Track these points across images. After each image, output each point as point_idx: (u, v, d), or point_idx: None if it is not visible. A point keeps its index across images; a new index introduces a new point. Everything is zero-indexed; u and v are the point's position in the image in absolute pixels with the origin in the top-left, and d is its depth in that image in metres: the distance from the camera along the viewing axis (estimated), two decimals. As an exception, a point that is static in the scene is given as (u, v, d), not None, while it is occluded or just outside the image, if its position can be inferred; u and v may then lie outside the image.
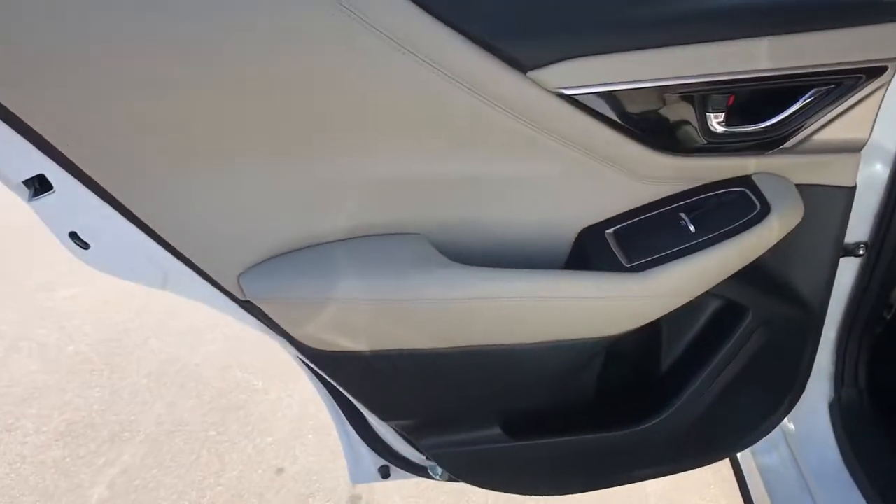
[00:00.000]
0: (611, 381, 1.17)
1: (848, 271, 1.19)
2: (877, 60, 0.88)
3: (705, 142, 0.92)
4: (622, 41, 0.83)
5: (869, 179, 1.09)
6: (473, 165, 0.90)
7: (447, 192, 0.91)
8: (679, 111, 0.90)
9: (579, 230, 0.99)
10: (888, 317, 1.30)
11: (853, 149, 0.96)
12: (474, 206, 0.94)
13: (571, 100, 0.86)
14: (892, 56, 0.87)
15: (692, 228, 0.94)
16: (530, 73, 0.83)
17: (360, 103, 0.80)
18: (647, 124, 0.91)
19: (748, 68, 0.86)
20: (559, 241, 0.99)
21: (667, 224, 0.96)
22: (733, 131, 0.92)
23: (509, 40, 0.82)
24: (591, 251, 0.96)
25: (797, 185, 0.98)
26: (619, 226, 0.97)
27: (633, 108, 0.88)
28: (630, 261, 0.94)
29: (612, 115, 0.88)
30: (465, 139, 0.87)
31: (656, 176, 0.95)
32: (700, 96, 0.89)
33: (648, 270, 0.92)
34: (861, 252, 1.15)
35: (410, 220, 0.93)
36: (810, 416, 1.35)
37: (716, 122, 0.91)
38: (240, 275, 0.86)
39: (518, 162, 0.90)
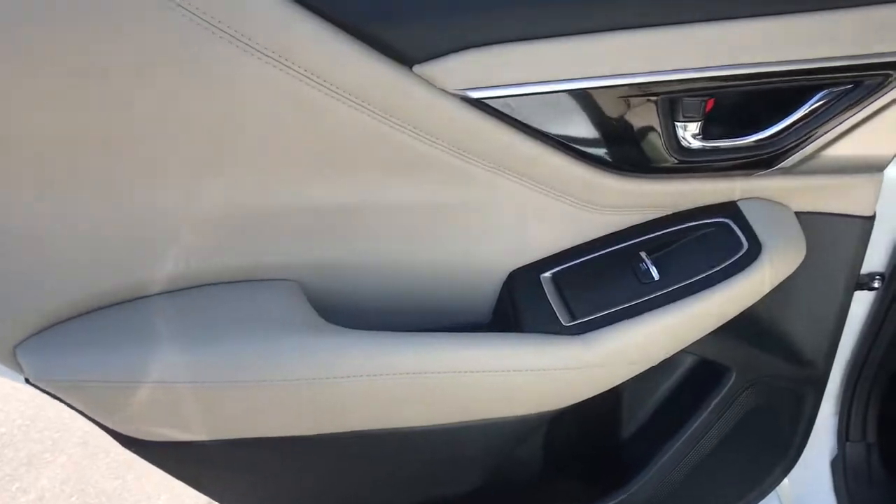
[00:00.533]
0: (562, 453, 0.93)
1: (858, 307, 0.95)
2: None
3: (675, 160, 0.68)
4: (548, 23, 0.59)
5: (884, 193, 0.85)
6: (359, 190, 0.66)
7: (328, 224, 0.67)
8: (637, 120, 0.66)
9: (507, 273, 0.75)
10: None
11: (873, 168, 0.72)
12: (366, 244, 0.69)
13: (481, 105, 0.62)
14: None
15: (655, 274, 0.70)
16: (417, 68, 0.59)
17: (201, 116, 0.56)
18: (592, 138, 0.66)
19: (732, 62, 0.62)
20: (480, 287, 0.75)
21: (622, 267, 0.72)
22: (713, 146, 0.68)
23: (390, 27, 0.58)
24: (521, 302, 0.72)
25: (798, 215, 0.74)
26: (558, 268, 0.74)
27: (570, 117, 0.64)
28: (572, 317, 0.70)
29: (543, 126, 0.64)
30: (347, 157, 0.63)
31: (608, 204, 0.71)
32: (665, 100, 0.64)
33: (594, 333, 0.68)
34: (876, 285, 0.90)
35: (275, 263, 0.68)
36: (810, 475, 1.12)
37: (688, 134, 0.67)
38: (16, 346, 0.62)
39: (416, 186, 0.66)
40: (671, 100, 0.64)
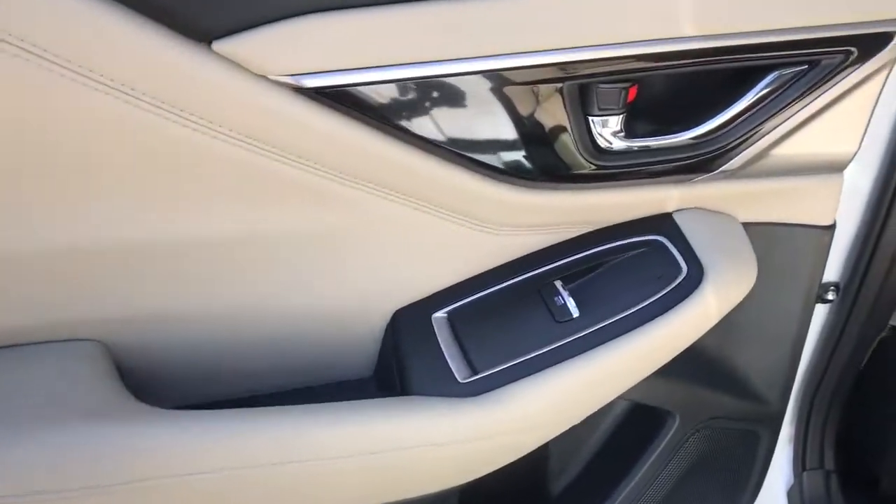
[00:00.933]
0: None
1: (813, 322, 0.82)
2: (877, 24, 0.50)
3: (592, 166, 0.53)
4: None
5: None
6: (180, 221, 0.49)
7: (144, 265, 0.50)
8: (541, 114, 0.51)
9: (392, 312, 0.59)
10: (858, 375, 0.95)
11: (831, 169, 0.59)
12: (195, 288, 0.52)
13: (324, 98, 0.46)
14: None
15: (574, 310, 0.55)
16: (217, 45, 0.42)
17: None
18: (483, 139, 0.51)
19: (659, 35, 0.47)
20: (357, 333, 0.59)
21: (532, 302, 0.57)
22: (640, 147, 0.54)
23: None
24: (407, 351, 0.57)
25: (746, 227, 0.60)
26: (453, 305, 0.58)
27: (453, 112, 0.49)
28: (471, 371, 0.55)
29: (416, 126, 0.48)
30: (155, 178, 0.46)
31: (510, 222, 0.56)
32: (574, 88, 0.49)
33: (499, 392, 0.53)
34: (830, 297, 0.78)
35: (70, 318, 0.51)
36: (765, 507, 1.00)
37: (607, 131, 0.52)
38: None
39: (256, 211, 0.49)
40: (582, 87, 0.49)
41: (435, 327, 0.57)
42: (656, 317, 0.54)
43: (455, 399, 0.53)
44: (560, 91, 0.49)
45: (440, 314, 0.58)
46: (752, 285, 0.58)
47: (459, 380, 0.54)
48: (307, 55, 0.43)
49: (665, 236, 0.57)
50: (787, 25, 0.49)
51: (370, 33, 0.44)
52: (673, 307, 0.54)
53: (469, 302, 0.58)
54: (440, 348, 0.56)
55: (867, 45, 0.51)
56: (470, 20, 0.44)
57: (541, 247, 0.59)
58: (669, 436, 0.70)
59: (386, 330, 0.59)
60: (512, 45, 0.46)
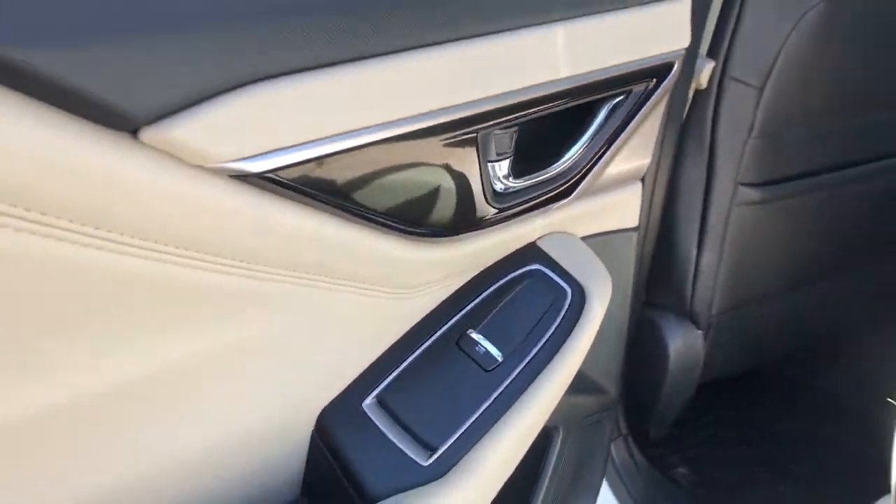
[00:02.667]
0: None
1: None
2: (666, 55, 0.61)
3: (495, 210, 0.54)
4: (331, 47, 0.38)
5: None
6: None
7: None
8: (454, 167, 0.49)
9: (317, 416, 0.51)
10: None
11: (636, 178, 0.69)
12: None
13: (266, 182, 0.38)
14: (682, 46, 0.61)
15: (497, 354, 0.55)
16: (146, 133, 0.32)
17: None
18: (403, 202, 0.48)
19: (537, 81, 0.50)
20: (283, 448, 0.50)
21: (455, 358, 0.55)
22: (522, 185, 0.56)
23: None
24: (352, 450, 0.49)
25: (583, 240, 0.67)
26: (380, 387, 0.53)
27: (377, 179, 0.45)
28: (430, 450, 0.50)
29: (345, 196, 0.43)
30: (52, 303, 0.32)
31: (423, 281, 0.54)
32: (477, 138, 0.49)
33: (464, 460, 0.50)
34: None
35: None
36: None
37: (501, 175, 0.53)
38: None
39: (165, 336, 0.38)
40: (483, 137, 0.50)
41: (371, 416, 0.51)
42: (565, 340, 0.57)
43: (429, 485, 0.48)
44: (465, 143, 0.48)
45: (370, 400, 0.52)
46: (611, 290, 0.65)
47: (423, 463, 0.49)
48: (251, 135, 0.35)
49: (539, 263, 0.61)
50: (611, 64, 0.56)
51: (317, 101, 0.37)
52: (574, 329, 0.58)
53: (394, 377, 0.53)
54: (387, 437, 0.50)
55: (661, 73, 0.61)
56: (383, 86, 0.41)
57: (440, 300, 0.57)
58: (557, 448, 0.74)
59: (313, 437, 0.51)
60: (426, 105, 0.44)
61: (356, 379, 0.52)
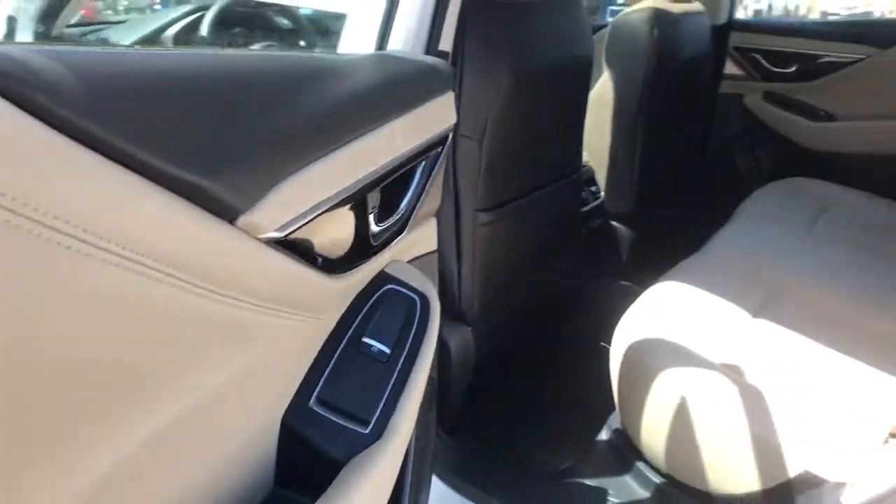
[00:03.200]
0: None
1: None
2: (445, 129, 0.89)
3: (374, 247, 0.76)
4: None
5: None
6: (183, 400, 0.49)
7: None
8: (358, 216, 0.72)
9: (280, 419, 0.68)
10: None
11: (433, 213, 0.96)
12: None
13: (284, 244, 0.56)
14: (453, 122, 0.90)
15: (386, 350, 0.77)
16: (242, 220, 0.50)
17: None
18: (332, 243, 0.68)
19: (386, 160, 0.75)
20: (254, 450, 0.65)
21: (361, 358, 0.75)
22: (384, 228, 0.79)
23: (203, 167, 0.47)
24: (313, 437, 0.67)
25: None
26: (318, 388, 0.71)
27: (318, 229, 0.65)
28: (366, 422, 0.70)
29: (304, 249, 0.63)
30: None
31: (332, 306, 0.73)
32: (368, 197, 0.72)
33: (391, 422, 0.71)
34: None
35: None
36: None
37: (373, 218, 0.76)
38: None
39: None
40: (368, 197, 0.72)
41: (318, 410, 0.69)
42: (426, 332, 0.81)
43: (373, 445, 0.68)
44: (361, 202, 0.70)
45: (313, 400, 0.69)
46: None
47: (364, 432, 0.69)
48: (286, 210, 0.54)
49: (392, 284, 0.84)
50: (421, 142, 0.82)
51: (303, 184, 0.57)
52: (429, 323, 0.82)
53: (325, 379, 0.71)
54: (334, 421, 0.69)
55: (443, 141, 0.89)
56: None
57: (335, 322, 0.76)
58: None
59: (281, 436, 0.67)
60: (353, 177, 0.65)
61: (299, 386, 0.69)
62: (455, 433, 1.45)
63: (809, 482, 1.01)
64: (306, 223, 0.58)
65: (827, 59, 2.35)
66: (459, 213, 1.34)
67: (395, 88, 0.76)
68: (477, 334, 1.41)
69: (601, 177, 2.05)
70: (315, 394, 0.70)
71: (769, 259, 1.60)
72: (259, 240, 0.52)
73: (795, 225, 1.83)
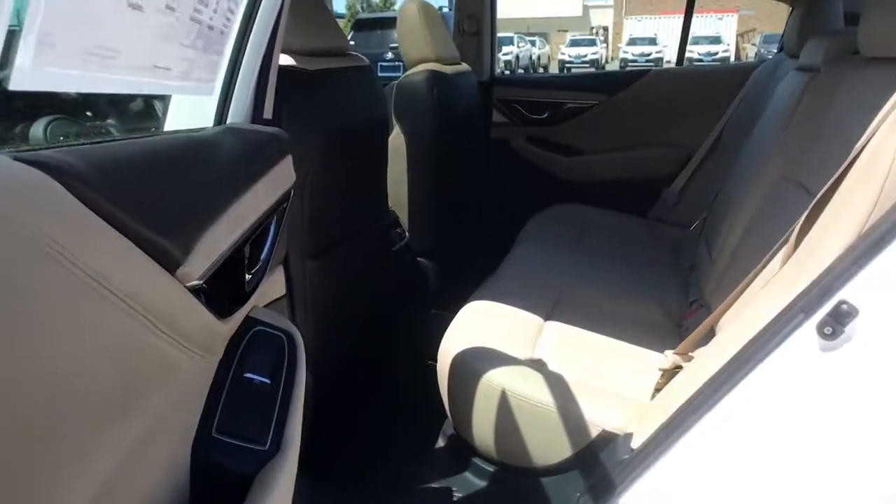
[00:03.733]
0: None
1: None
2: (290, 188, 1.04)
3: (247, 291, 0.89)
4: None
5: None
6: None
7: None
8: (229, 270, 0.84)
9: (191, 448, 0.77)
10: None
11: (280, 262, 1.10)
12: None
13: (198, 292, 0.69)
14: (293, 181, 1.06)
15: (267, 381, 0.90)
16: (179, 271, 0.62)
17: None
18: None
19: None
20: (169, 476, 0.75)
21: (247, 388, 0.87)
22: (251, 275, 0.92)
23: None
24: (223, 460, 0.78)
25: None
26: (217, 419, 0.82)
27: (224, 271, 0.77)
28: (262, 443, 0.82)
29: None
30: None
31: (218, 348, 0.85)
32: (245, 251, 0.86)
33: (284, 440, 0.84)
34: None
35: None
36: None
37: (247, 272, 0.89)
38: None
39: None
40: (244, 249, 0.85)
41: (221, 438, 0.80)
42: (297, 361, 0.95)
43: (274, 459, 0.81)
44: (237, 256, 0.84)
45: (215, 430, 0.80)
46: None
47: (265, 449, 0.81)
48: (204, 263, 0.66)
49: (260, 326, 0.97)
50: (275, 200, 0.97)
51: (222, 233, 0.70)
52: (297, 353, 0.96)
53: (221, 410, 0.82)
54: (237, 444, 0.80)
55: (288, 196, 1.04)
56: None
57: (219, 361, 0.87)
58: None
59: (193, 463, 0.77)
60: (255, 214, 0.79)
61: (201, 418, 0.80)
62: (302, 471, 1.55)
63: (607, 438, 1.29)
64: (213, 273, 0.71)
65: (570, 105, 2.84)
66: (289, 263, 1.48)
67: (255, 155, 0.91)
68: (314, 376, 1.54)
69: (404, 219, 2.29)
70: (215, 425, 0.81)
71: (551, 272, 1.93)
72: (187, 288, 0.64)
73: (566, 242, 2.21)
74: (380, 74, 3.25)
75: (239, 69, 1.05)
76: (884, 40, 1.25)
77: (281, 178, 0.99)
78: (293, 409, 0.88)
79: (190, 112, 1.05)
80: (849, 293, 0.94)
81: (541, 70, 23.13)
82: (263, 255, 0.96)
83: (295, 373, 0.92)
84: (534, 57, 22.75)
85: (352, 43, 1.82)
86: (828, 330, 0.96)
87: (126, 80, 0.55)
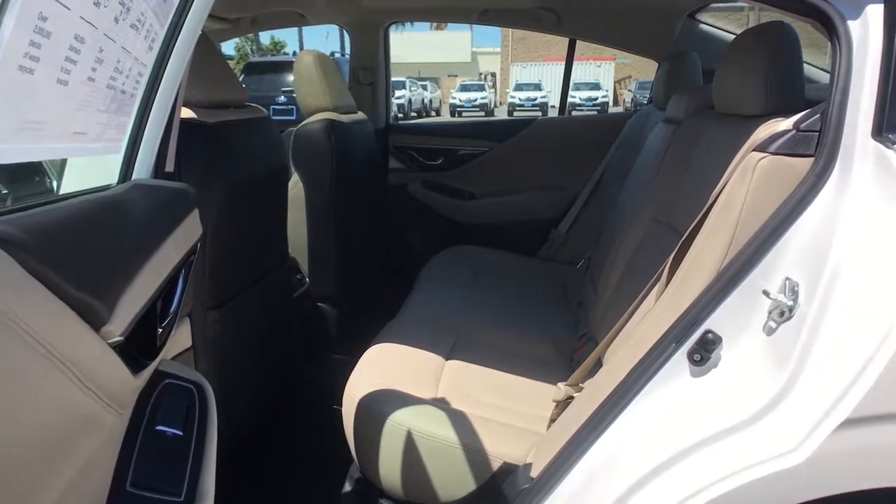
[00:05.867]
0: None
1: None
2: (197, 240, 1.07)
3: (158, 345, 0.90)
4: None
5: None
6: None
7: None
8: (150, 317, 0.86)
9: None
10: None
11: (187, 314, 1.12)
12: None
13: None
14: (199, 234, 1.09)
15: (179, 432, 0.91)
16: (103, 329, 0.65)
17: None
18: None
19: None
20: None
21: (159, 440, 0.88)
22: (162, 328, 0.93)
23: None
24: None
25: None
26: (131, 474, 0.82)
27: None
28: (178, 494, 0.83)
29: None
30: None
31: (129, 402, 0.85)
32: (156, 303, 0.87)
33: (199, 492, 0.86)
34: None
35: None
36: None
37: (159, 326, 0.91)
38: None
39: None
40: (156, 303, 0.87)
41: (136, 492, 0.80)
42: (208, 409, 0.96)
43: None
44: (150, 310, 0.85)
45: (129, 484, 0.81)
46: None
47: (180, 500, 0.82)
48: (124, 320, 0.68)
49: (169, 378, 0.97)
50: (188, 249, 0.99)
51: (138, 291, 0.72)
52: (208, 402, 0.97)
53: (134, 464, 0.83)
54: (152, 497, 0.81)
55: (196, 249, 1.07)
56: None
57: (129, 416, 0.88)
58: None
59: None
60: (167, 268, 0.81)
61: (115, 472, 0.80)
62: None
63: (508, 469, 1.36)
64: (132, 330, 0.73)
65: (463, 151, 2.98)
66: (191, 314, 1.47)
67: (165, 210, 0.93)
68: (220, 425, 1.53)
69: (304, 265, 2.31)
70: (129, 479, 0.81)
71: (450, 313, 2.01)
72: (109, 344, 0.66)
73: (463, 283, 2.31)
74: (273, 118, 3.32)
75: (145, 127, 1.07)
76: (732, 99, 1.43)
77: (189, 231, 1.01)
78: (206, 459, 0.89)
79: (83, 170, 1.06)
80: (713, 323, 1.07)
81: (433, 113, 23.69)
82: (173, 308, 0.98)
83: (206, 423, 0.94)
84: (426, 100, 23.30)
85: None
86: (697, 356, 1.08)
87: (50, 148, 0.58)
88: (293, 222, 2.23)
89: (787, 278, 1.03)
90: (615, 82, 28.76)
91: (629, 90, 24.55)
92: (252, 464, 1.76)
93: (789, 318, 1.02)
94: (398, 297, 2.20)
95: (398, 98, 19.24)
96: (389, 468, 1.48)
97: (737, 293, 1.07)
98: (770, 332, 1.05)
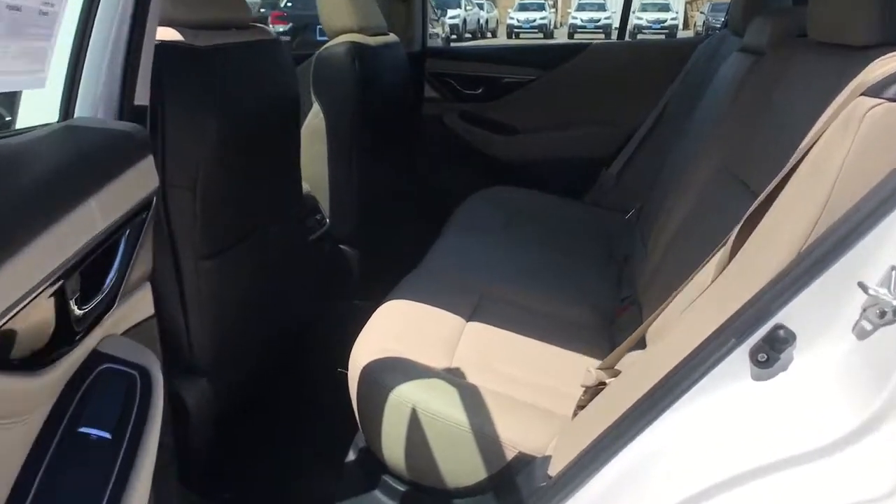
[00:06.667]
0: None
1: None
2: (150, 193, 0.88)
3: (78, 332, 0.73)
4: None
5: None
6: None
7: None
8: (45, 310, 0.68)
9: None
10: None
11: (146, 279, 0.94)
12: None
13: None
14: (156, 185, 0.90)
15: (107, 435, 0.75)
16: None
17: None
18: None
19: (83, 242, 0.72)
20: None
21: (80, 452, 0.72)
22: (90, 308, 0.76)
23: None
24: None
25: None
26: (31, 494, 0.67)
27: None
28: None
29: None
30: None
31: (29, 407, 0.69)
32: (66, 283, 0.69)
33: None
34: None
35: None
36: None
37: (76, 306, 0.73)
38: None
39: None
40: (67, 283, 0.69)
41: None
42: (150, 406, 0.80)
43: None
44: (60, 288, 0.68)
45: None
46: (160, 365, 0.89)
47: None
48: None
49: (107, 362, 0.81)
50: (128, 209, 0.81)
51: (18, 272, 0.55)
52: (151, 402, 0.81)
53: (40, 482, 0.67)
54: None
55: (148, 205, 0.88)
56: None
57: (44, 419, 0.72)
58: None
59: None
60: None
61: (10, 494, 0.64)
62: (205, 487, 1.41)
63: (524, 460, 1.18)
64: (4, 323, 0.55)
65: (507, 80, 2.69)
66: (179, 265, 1.31)
67: (86, 165, 0.74)
68: (215, 383, 1.39)
69: (324, 204, 2.12)
70: (31, 495, 0.66)
71: (478, 266, 1.80)
72: None
73: (496, 231, 2.09)
74: (318, 39, 3.04)
75: (85, 52, 0.87)
76: (835, 23, 1.14)
77: (134, 185, 0.83)
78: (139, 466, 0.73)
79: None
80: (786, 316, 0.84)
81: (489, 34, 22.76)
82: (109, 280, 0.80)
83: (146, 420, 0.78)
84: (481, 21, 22.34)
85: (288, 4, 1.62)
86: (762, 356, 0.86)
87: None
88: (313, 156, 2.03)
89: (894, 268, 0.78)
90: (686, 3, 26.95)
91: (701, 12, 22.99)
92: (248, 427, 1.63)
93: (892, 320, 0.78)
94: (428, 241, 2.00)
95: (451, 18, 18.42)
96: (393, 444, 1.32)
97: (822, 281, 0.81)
98: (863, 335, 0.81)
